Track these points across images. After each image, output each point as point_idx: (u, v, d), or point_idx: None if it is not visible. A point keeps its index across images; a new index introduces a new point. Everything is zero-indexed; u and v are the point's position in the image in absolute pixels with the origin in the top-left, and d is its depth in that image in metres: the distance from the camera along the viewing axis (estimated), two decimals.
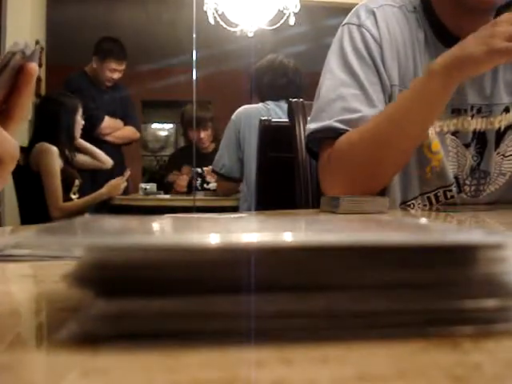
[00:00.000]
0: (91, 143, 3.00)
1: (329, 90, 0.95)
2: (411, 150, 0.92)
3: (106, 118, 3.07)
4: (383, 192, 0.97)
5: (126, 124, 3.22)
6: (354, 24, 0.99)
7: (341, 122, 0.91)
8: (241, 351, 0.19)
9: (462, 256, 0.22)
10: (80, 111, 2.51)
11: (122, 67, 3.18)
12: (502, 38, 0.76)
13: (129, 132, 3.23)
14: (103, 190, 2.46)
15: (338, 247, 0.20)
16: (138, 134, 3.33)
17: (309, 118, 1.00)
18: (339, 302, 0.20)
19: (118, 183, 2.48)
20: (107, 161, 2.75)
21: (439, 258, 0.21)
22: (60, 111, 2.43)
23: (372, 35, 0.97)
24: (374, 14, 0.98)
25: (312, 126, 0.95)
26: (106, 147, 3.00)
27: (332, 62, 0.98)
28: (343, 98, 0.92)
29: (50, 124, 2.41)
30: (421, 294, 0.21)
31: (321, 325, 0.20)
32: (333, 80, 0.96)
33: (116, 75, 3.16)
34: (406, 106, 0.88)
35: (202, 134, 3.13)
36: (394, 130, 0.87)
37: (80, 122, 2.50)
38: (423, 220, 0.31)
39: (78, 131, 2.50)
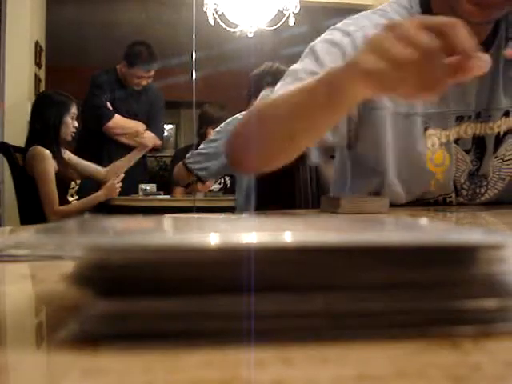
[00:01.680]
0: (103, 141, 2.97)
1: (294, 72, 0.91)
2: (298, 144, 0.84)
3: (117, 117, 3.01)
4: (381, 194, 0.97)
5: (148, 129, 3.16)
6: (339, 30, 0.95)
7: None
8: (241, 351, 0.19)
9: (461, 256, 0.22)
10: (72, 112, 2.46)
11: (151, 74, 3.12)
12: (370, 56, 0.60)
13: (148, 137, 3.17)
14: (99, 192, 2.45)
15: (338, 247, 0.20)
16: (158, 142, 3.22)
17: None
18: (339, 301, 0.20)
19: (114, 185, 2.47)
20: (98, 173, 2.69)
21: (439, 257, 0.21)
22: (49, 109, 2.40)
23: (354, 46, 0.91)
24: (364, 31, 0.93)
25: (265, 93, 0.93)
26: (122, 149, 2.95)
27: (303, 55, 0.94)
28: (301, 80, 0.85)
29: (38, 121, 2.39)
30: (421, 294, 0.21)
31: (321, 325, 0.20)
32: (300, 65, 0.92)
33: (144, 81, 3.11)
34: (305, 95, 0.77)
35: None
36: (289, 111, 0.80)
37: (70, 123, 2.45)
38: (423, 220, 0.31)
39: (66, 133, 2.46)
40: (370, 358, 0.19)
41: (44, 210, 2.28)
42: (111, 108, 3.05)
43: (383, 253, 0.21)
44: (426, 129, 0.96)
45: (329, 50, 0.92)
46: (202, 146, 2.36)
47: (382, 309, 0.20)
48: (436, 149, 0.96)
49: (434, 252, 0.21)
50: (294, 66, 0.93)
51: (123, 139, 3.05)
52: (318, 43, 0.94)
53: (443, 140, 0.97)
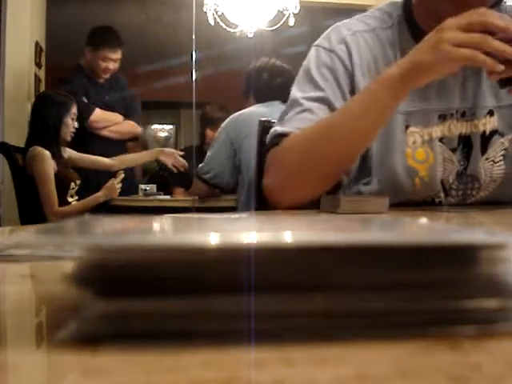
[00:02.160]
0: (85, 137, 2.95)
1: (296, 101, 0.98)
2: (356, 153, 0.93)
3: (97, 111, 2.97)
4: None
5: (126, 119, 3.10)
6: (324, 48, 1.00)
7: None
8: (241, 351, 0.19)
9: (462, 256, 0.22)
10: (72, 112, 2.45)
11: (117, 56, 3.04)
12: (449, 43, 0.77)
13: (128, 126, 3.09)
14: (99, 193, 2.45)
15: (338, 247, 0.20)
16: (139, 129, 3.19)
17: (276, 124, 1.02)
18: (339, 302, 0.20)
19: (114, 185, 2.47)
20: (106, 164, 2.72)
21: (439, 257, 0.21)
22: (49, 109, 2.39)
23: (342, 62, 0.98)
24: (346, 43, 0.99)
25: (278, 128, 0.97)
26: (105, 143, 2.94)
27: (300, 81, 1.01)
28: (311, 110, 0.95)
29: (38, 122, 2.39)
30: (421, 294, 0.21)
31: (321, 325, 0.20)
32: (300, 93, 0.98)
33: (111, 65, 3.03)
34: (355, 112, 0.89)
35: (212, 136, 3.09)
36: (340, 135, 0.89)
37: (70, 124, 2.44)
38: (423, 220, 0.31)
39: (66, 133, 2.45)
40: (369, 358, 0.19)
41: (44, 210, 2.28)
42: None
43: (383, 253, 0.21)
44: (407, 127, 0.97)
45: (323, 73, 0.98)
46: (209, 154, 2.34)
47: (381, 309, 0.20)
48: (417, 146, 0.97)
49: (435, 252, 0.21)
50: (296, 95, 0.99)
51: (106, 133, 3.02)
52: (313, 67, 1.00)
53: (425, 138, 0.98)
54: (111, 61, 3.03)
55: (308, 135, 0.92)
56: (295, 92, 1.00)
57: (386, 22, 1.01)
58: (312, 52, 1.02)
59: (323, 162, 0.90)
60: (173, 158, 2.81)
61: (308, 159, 0.90)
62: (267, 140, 0.99)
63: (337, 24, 1.04)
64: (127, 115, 3.12)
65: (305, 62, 1.02)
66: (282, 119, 0.99)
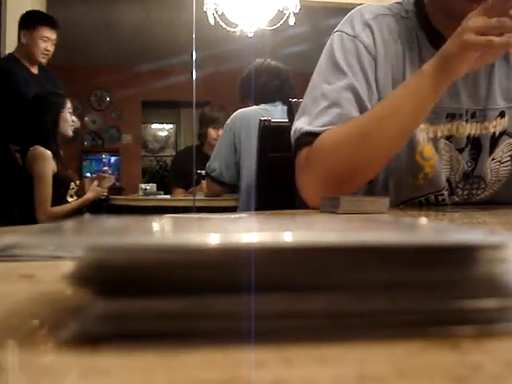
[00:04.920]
0: None
1: (321, 94, 0.96)
2: (396, 150, 0.92)
3: None
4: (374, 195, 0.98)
5: None
6: (348, 34, 0.99)
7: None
8: (241, 351, 0.19)
9: (462, 256, 0.22)
10: (67, 107, 2.47)
11: (54, 37, 2.94)
12: (471, 31, 0.79)
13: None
14: (89, 194, 2.48)
15: (338, 247, 0.20)
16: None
17: (297, 118, 0.99)
18: (339, 301, 0.20)
19: (97, 187, 2.51)
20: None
21: (439, 257, 0.21)
22: (44, 111, 2.41)
23: (366, 48, 0.97)
24: (369, 26, 0.98)
25: (306, 126, 0.94)
26: None
27: (323, 67, 0.99)
28: (338, 103, 0.93)
29: (35, 123, 2.40)
30: (420, 294, 0.21)
31: (321, 325, 0.20)
32: (324, 84, 0.96)
33: (49, 46, 2.91)
34: (396, 106, 0.89)
35: (215, 134, 3.09)
36: (382, 130, 0.88)
37: (69, 118, 2.47)
38: (423, 220, 0.31)
39: (66, 128, 2.47)
40: (370, 358, 0.19)
41: (36, 210, 2.29)
42: None
43: (383, 253, 0.21)
44: None
45: (348, 60, 0.97)
46: (214, 151, 2.35)
47: (382, 309, 0.20)
48: (426, 143, 0.97)
49: (434, 252, 0.21)
50: (320, 86, 0.96)
51: None
52: (338, 55, 0.97)
53: (430, 135, 0.98)
54: (49, 40, 2.91)
55: (349, 136, 0.90)
56: (319, 83, 0.97)
57: (404, 12, 1.02)
58: (335, 38, 1.00)
59: (366, 163, 0.90)
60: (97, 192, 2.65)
61: (353, 161, 0.90)
62: (292, 137, 0.97)
63: (358, 7, 1.03)
64: None
65: (327, 48, 1.01)
66: (304, 114, 0.96)
